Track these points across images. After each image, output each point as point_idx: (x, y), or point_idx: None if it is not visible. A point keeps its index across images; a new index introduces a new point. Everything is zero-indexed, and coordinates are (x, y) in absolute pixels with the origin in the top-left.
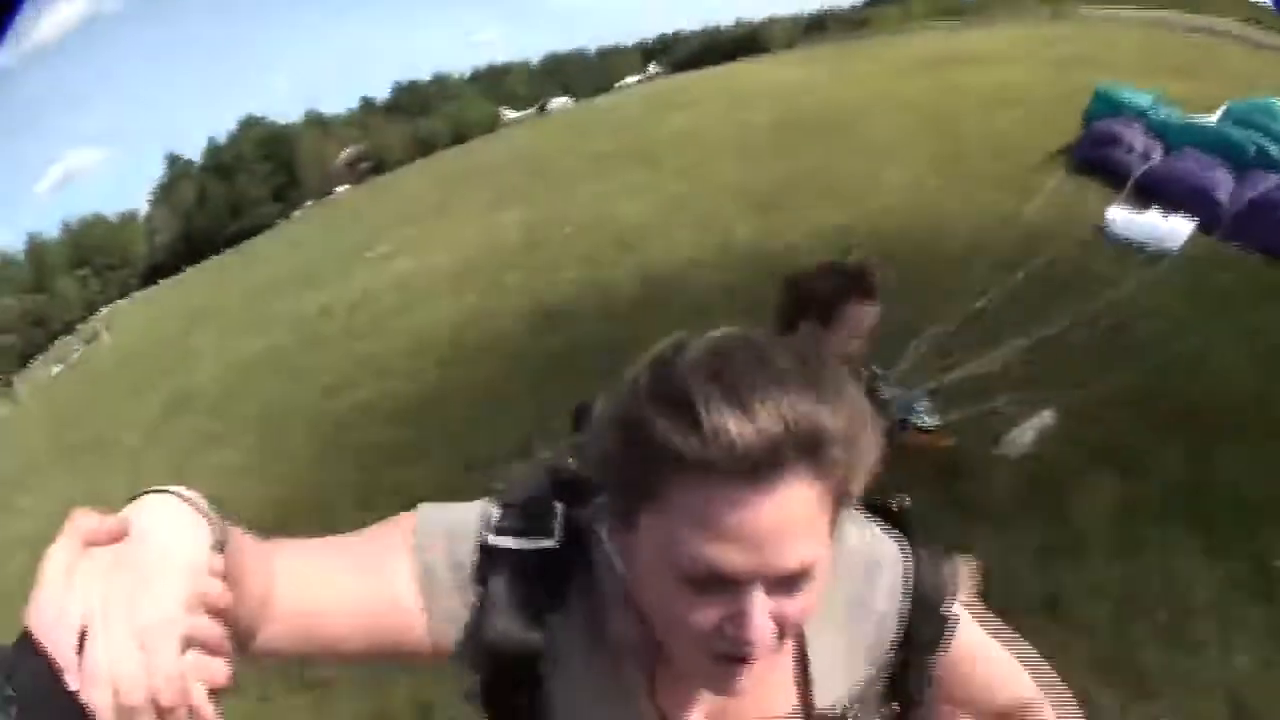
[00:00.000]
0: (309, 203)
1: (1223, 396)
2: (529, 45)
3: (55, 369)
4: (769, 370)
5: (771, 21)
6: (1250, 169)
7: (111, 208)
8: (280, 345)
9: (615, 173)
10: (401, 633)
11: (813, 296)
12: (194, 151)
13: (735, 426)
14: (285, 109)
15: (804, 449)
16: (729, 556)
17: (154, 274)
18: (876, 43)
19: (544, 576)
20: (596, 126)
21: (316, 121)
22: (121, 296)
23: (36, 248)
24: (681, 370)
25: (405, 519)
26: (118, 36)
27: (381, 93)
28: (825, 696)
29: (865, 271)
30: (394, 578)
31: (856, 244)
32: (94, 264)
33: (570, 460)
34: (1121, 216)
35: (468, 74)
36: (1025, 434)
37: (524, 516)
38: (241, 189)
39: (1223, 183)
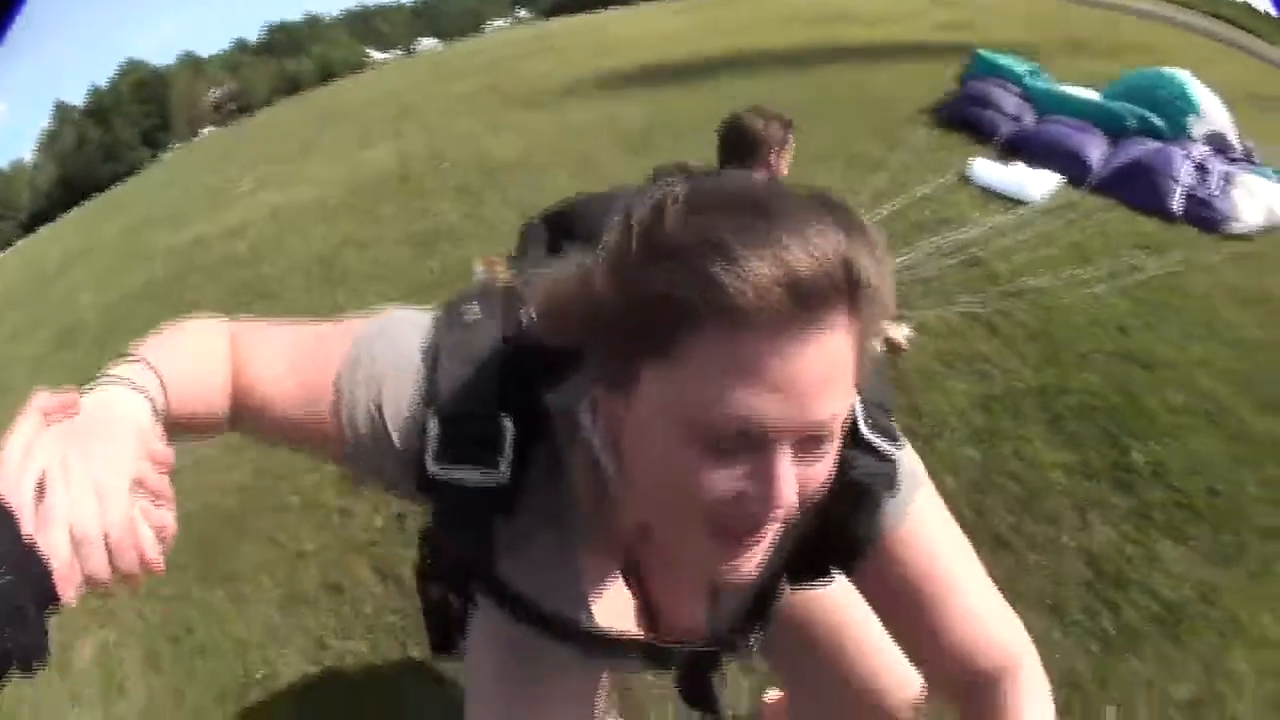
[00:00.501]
0: (176, 145)
1: (1079, 326)
2: None
3: None
4: (791, 205)
5: None
6: (1128, 137)
7: (5, 159)
8: (158, 277)
9: (483, 112)
10: (330, 452)
11: (758, 139)
12: (81, 99)
13: (769, 268)
14: (170, 54)
15: (841, 288)
16: (766, 408)
17: (35, 222)
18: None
19: (492, 505)
20: (463, 68)
21: (190, 63)
22: (4, 246)
23: None
24: (696, 208)
25: (350, 331)
26: None
27: (255, 34)
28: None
29: (791, 120)
30: (320, 404)
31: None
32: None
33: (521, 315)
34: (986, 167)
35: (339, 15)
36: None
37: (466, 441)
38: (117, 133)
39: (1094, 145)
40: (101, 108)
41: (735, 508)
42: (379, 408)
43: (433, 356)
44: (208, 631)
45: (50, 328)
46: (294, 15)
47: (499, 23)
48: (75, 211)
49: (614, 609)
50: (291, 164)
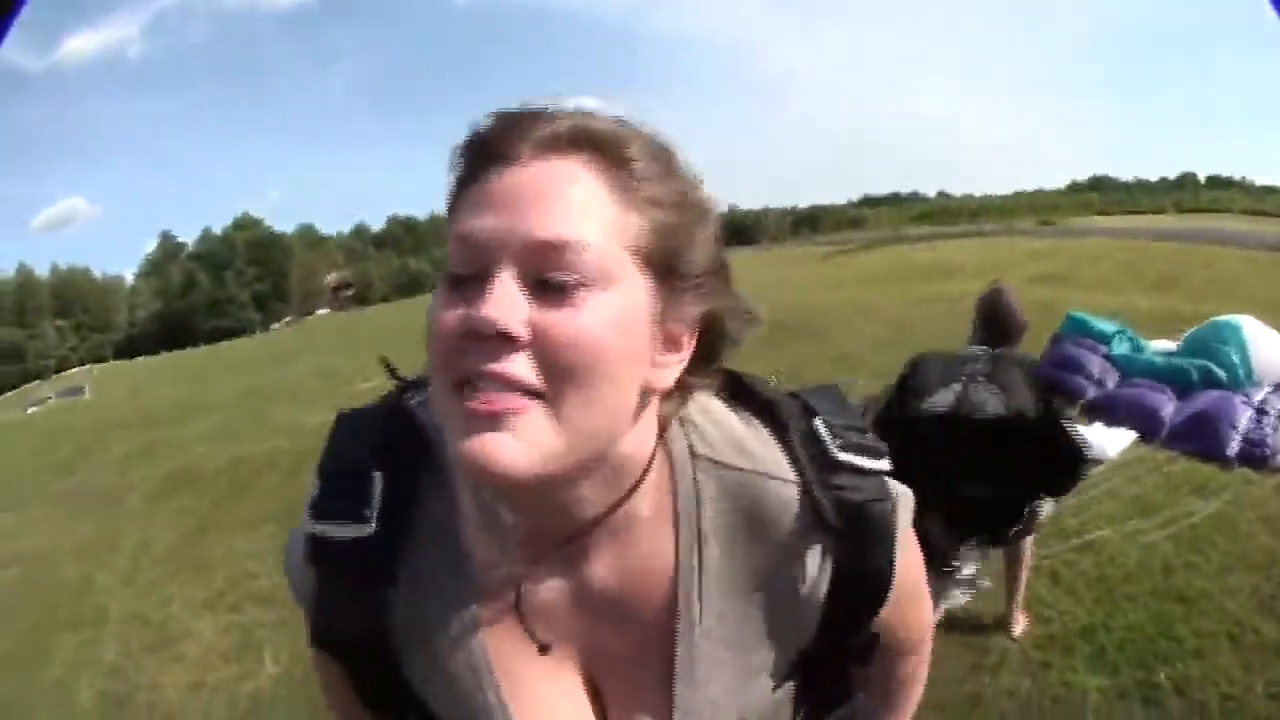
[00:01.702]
0: (288, 318)
1: (1129, 570)
2: None
3: (31, 409)
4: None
5: (765, 212)
6: (1195, 390)
7: (97, 264)
8: (282, 449)
9: None
10: None
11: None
12: (184, 233)
13: (520, 125)
14: (276, 218)
15: (585, 143)
16: (480, 221)
17: (130, 345)
18: (859, 250)
19: (367, 560)
20: None
21: (310, 237)
22: (96, 359)
23: (25, 281)
24: None
25: None
26: (133, 90)
27: (376, 223)
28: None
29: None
30: None
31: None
32: (74, 318)
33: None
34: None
35: None
36: None
37: (339, 495)
38: (228, 287)
39: (1166, 403)
40: (213, 256)
41: (461, 339)
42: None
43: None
44: None
45: (164, 467)
46: (415, 212)
47: None
48: (179, 354)
49: None
50: (411, 370)
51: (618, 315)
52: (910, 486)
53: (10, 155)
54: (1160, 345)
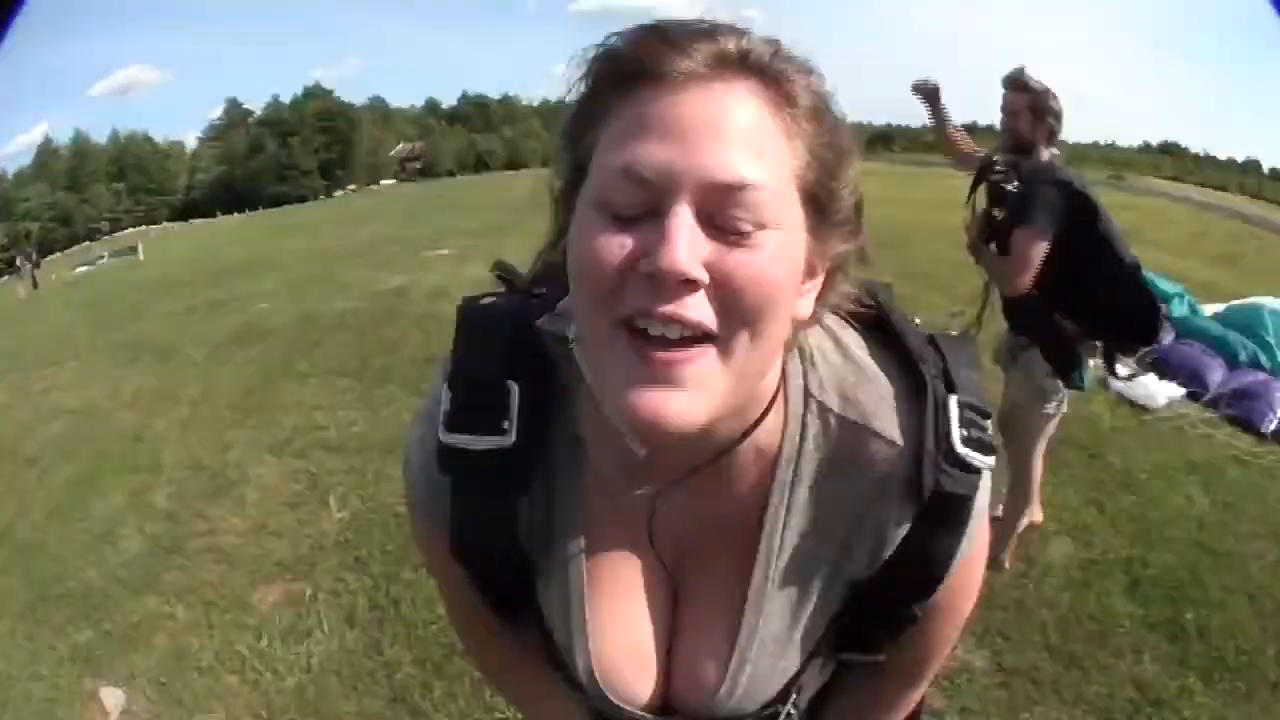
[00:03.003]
0: (352, 186)
1: (1169, 517)
2: None
3: (80, 269)
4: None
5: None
6: (1241, 367)
7: (159, 131)
8: (355, 309)
9: None
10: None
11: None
12: (251, 101)
13: (687, 40)
14: (349, 90)
15: (753, 68)
16: (654, 151)
17: (186, 209)
18: (933, 173)
19: (506, 471)
20: None
21: (379, 110)
22: (149, 221)
23: (81, 147)
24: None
25: None
26: None
27: (448, 99)
28: (777, 595)
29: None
30: None
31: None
32: (131, 182)
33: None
34: (1124, 373)
35: (535, 103)
36: None
37: (472, 407)
38: (295, 155)
39: (1216, 370)
40: (281, 123)
41: (635, 281)
42: (422, 449)
43: (453, 344)
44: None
45: (227, 323)
46: (487, 90)
47: None
48: (241, 217)
49: (627, 654)
50: (488, 241)
51: (788, 254)
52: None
53: (68, 22)
54: (1208, 320)
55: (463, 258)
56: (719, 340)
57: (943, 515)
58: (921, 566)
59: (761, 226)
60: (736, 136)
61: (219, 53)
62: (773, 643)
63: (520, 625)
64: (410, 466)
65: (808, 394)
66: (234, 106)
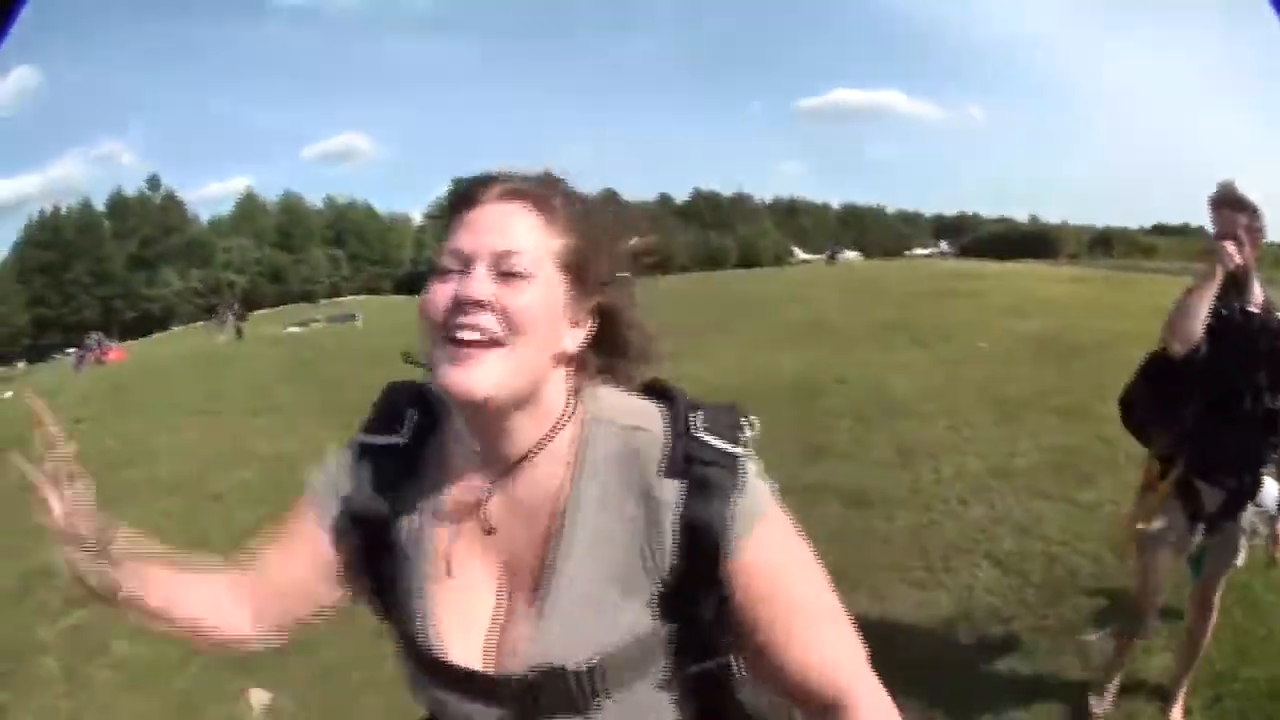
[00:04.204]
0: None
1: None
2: (831, 188)
3: (291, 328)
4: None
5: (1062, 227)
6: None
7: (373, 201)
8: None
9: (891, 345)
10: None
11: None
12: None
13: (488, 183)
14: (578, 179)
15: (523, 194)
16: (460, 237)
17: (410, 283)
18: (1147, 278)
19: (394, 459)
20: (880, 292)
21: (612, 202)
22: (370, 290)
23: (293, 206)
24: None
25: None
26: (425, 33)
27: (680, 193)
28: (569, 584)
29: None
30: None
31: None
32: (350, 249)
33: None
34: None
35: (767, 200)
36: None
37: (384, 419)
38: None
39: None
40: None
41: (451, 308)
42: (327, 468)
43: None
44: None
45: None
46: (718, 187)
47: (920, 251)
48: None
49: (458, 612)
50: (704, 340)
51: (545, 295)
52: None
53: (285, 87)
54: None
55: (677, 354)
56: (503, 344)
57: (703, 482)
58: (704, 531)
59: (525, 277)
60: (511, 228)
61: (440, 129)
62: (580, 603)
63: (359, 587)
64: (325, 466)
65: (596, 417)
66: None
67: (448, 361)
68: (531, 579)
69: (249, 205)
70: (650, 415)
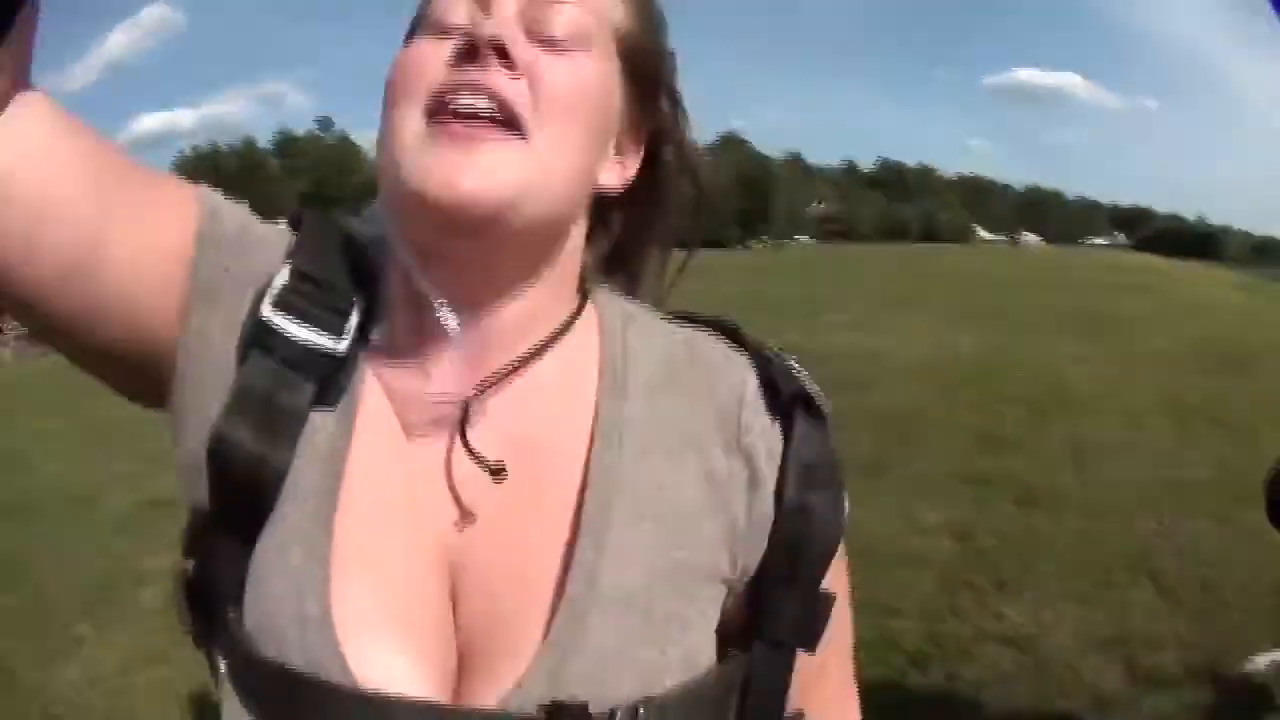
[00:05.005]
0: (766, 238)
1: None
2: (1013, 168)
3: None
4: None
5: (1226, 231)
6: None
7: None
8: None
9: (1067, 335)
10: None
11: None
12: None
13: None
14: (765, 139)
15: None
16: None
17: None
18: None
19: (316, 369)
20: (1063, 281)
21: (796, 165)
22: None
23: None
24: None
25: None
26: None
27: (865, 161)
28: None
29: None
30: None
31: None
32: None
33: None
34: None
35: (952, 176)
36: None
37: (313, 298)
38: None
39: None
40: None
41: (452, 63)
42: (249, 222)
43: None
44: None
45: None
46: (903, 157)
47: (1097, 240)
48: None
49: (378, 603)
50: (890, 315)
51: (601, 81)
52: None
53: None
54: None
55: (859, 325)
56: (525, 134)
57: (810, 415)
58: (818, 483)
59: (579, 47)
60: None
61: None
62: (622, 606)
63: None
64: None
65: (628, 317)
66: None
67: (433, 148)
68: (534, 565)
69: None
70: (706, 335)
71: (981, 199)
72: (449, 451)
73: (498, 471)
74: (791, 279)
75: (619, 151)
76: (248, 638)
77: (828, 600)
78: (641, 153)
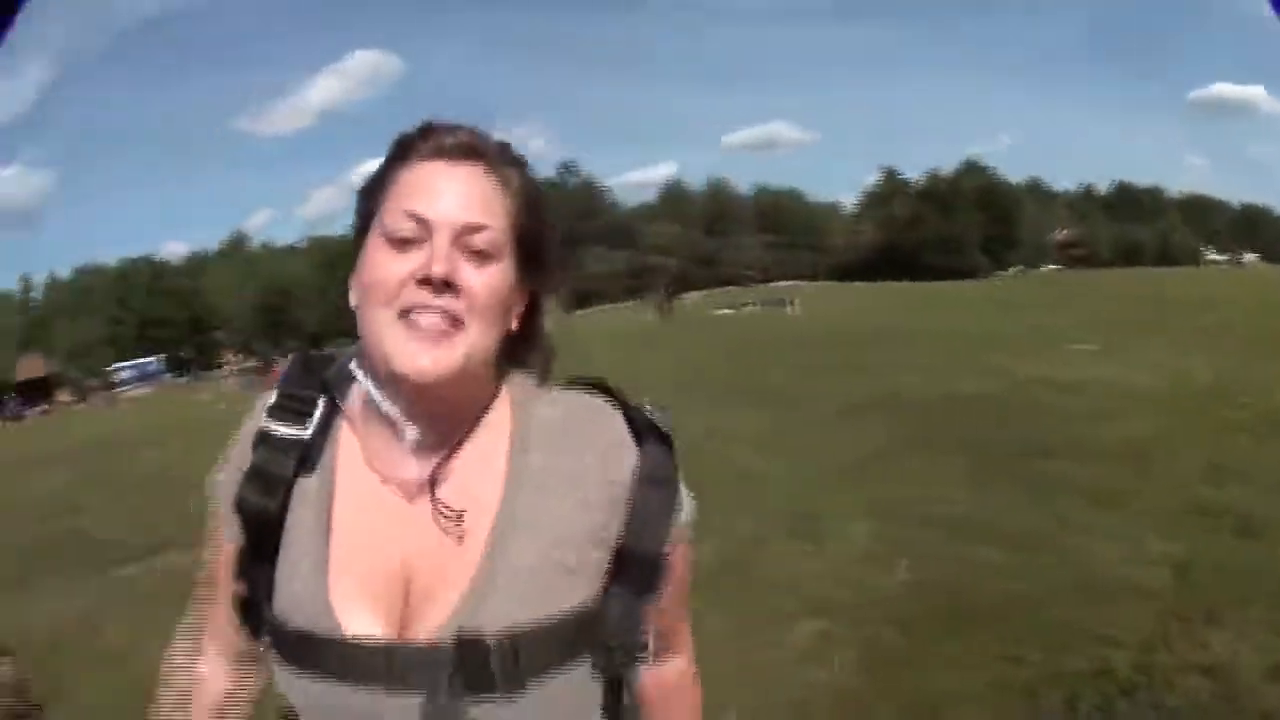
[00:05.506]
0: (1018, 267)
1: None
2: (1230, 185)
3: (721, 310)
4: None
5: None
6: None
7: (806, 188)
8: (986, 394)
9: None
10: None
11: None
12: (903, 169)
13: (442, 134)
14: (1003, 164)
15: (485, 154)
16: (418, 200)
17: (843, 270)
18: None
19: (292, 453)
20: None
21: (1038, 191)
22: (802, 276)
23: (720, 193)
24: None
25: None
26: (845, 17)
27: (1098, 183)
28: (527, 519)
29: None
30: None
31: None
32: (780, 236)
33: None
34: None
35: (1175, 195)
36: None
37: (290, 407)
38: (957, 228)
39: None
40: (939, 196)
41: (412, 287)
42: (231, 457)
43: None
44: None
45: (862, 387)
46: (1130, 178)
47: None
48: (898, 285)
49: (365, 588)
50: (1136, 341)
51: (506, 279)
52: None
53: (703, 74)
54: None
55: (1105, 354)
56: (464, 326)
57: (657, 441)
58: (660, 486)
59: (492, 257)
60: (477, 198)
61: (866, 118)
62: (525, 574)
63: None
64: (238, 440)
65: (525, 391)
66: (889, 175)
67: (404, 343)
68: (466, 555)
69: (674, 191)
70: (583, 392)
71: (1204, 217)
72: (412, 498)
73: (458, 518)
74: (1040, 306)
75: (517, 299)
76: (277, 618)
77: (665, 563)
78: (528, 299)
